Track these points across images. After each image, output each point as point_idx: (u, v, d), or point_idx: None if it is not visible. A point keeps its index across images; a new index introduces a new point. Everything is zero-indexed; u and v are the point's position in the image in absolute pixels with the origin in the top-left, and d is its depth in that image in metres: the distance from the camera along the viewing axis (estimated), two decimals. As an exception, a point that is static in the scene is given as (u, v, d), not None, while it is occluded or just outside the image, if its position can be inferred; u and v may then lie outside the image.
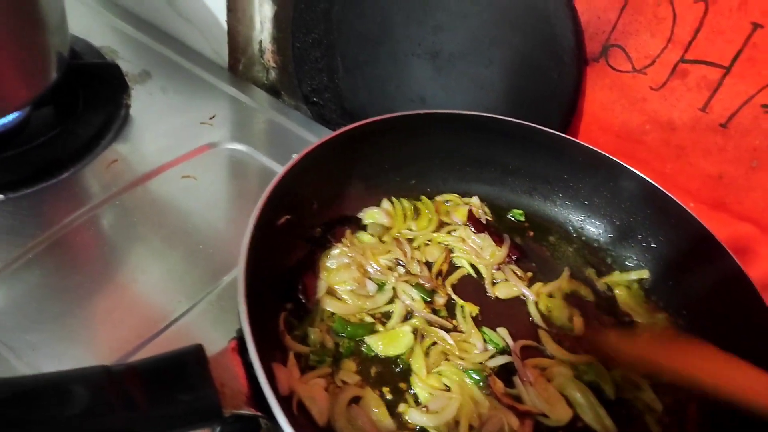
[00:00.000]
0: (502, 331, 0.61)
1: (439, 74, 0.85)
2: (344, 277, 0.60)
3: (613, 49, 0.76)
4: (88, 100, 0.80)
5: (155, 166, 0.77)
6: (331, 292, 0.60)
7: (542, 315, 0.64)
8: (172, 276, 0.66)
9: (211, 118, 0.86)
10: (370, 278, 0.62)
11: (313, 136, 0.89)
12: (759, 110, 0.68)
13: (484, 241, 0.68)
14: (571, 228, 0.75)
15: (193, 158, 0.80)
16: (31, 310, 0.61)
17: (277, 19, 0.94)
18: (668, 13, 0.70)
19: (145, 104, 0.85)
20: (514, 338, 0.60)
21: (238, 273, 0.46)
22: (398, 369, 0.55)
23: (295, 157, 0.60)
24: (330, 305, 0.58)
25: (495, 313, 0.63)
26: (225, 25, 0.91)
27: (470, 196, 0.75)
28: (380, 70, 0.89)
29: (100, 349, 0.58)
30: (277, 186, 0.55)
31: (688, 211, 0.66)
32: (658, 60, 0.73)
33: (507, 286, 0.66)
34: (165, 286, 0.65)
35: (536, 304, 0.64)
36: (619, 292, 0.68)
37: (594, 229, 0.74)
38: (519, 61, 0.80)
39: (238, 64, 0.98)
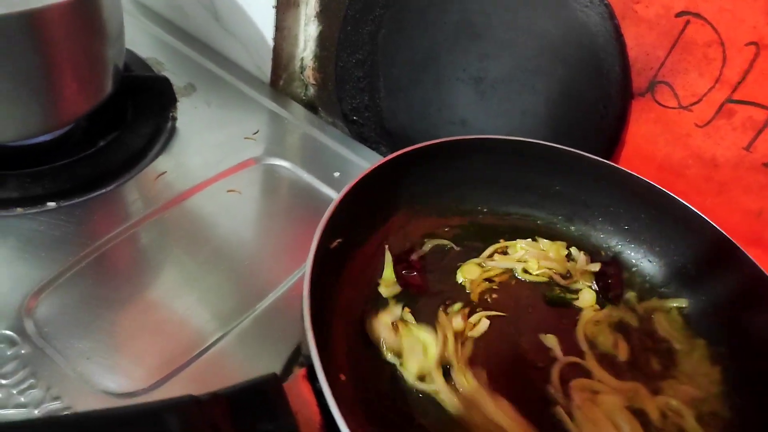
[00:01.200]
0: (552, 339, 0.62)
1: (481, 99, 0.87)
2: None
3: (660, 85, 0.77)
4: (136, 113, 0.81)
5: (200, 180, 0.78)
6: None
7: (587, 340, 0.64)
8: (213, 295, 0.67)
9: (254, 133, 0.87)
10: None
11: (352, 154, 0.90)
12: (804, 152, 0.69)
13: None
14: (610, 253, 0.75)
15: (237, 173, 0.81)
16: (83, 319, 0.61)
17: (321, 38, 0.96)
18: (718, 54, 0.71)
19: (191, 117, 0.87)
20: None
21: (303, 299, 0.47)
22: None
23: (352, 182, 0.60)
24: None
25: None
26: (271, 43, 0.92)
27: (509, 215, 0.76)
28: (422, 92, 0.90)
29: (149, 363, 0.59)
30: (335, 210, 0.56)
31: (729, 237, 0.67)
32: (704, 98, 0.74)
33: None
34: (208, 303, 0.66)
35: (584, 330, 0.65)
36: (657, 318, 0.69)
37: (633, 254, 0.75)
38: (563, 92, 0.81)
39: (280, 80, 0.99)
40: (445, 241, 0.71)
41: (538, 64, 0.81)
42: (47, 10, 0.59)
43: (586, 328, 0.65)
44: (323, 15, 0.94)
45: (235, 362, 0.62)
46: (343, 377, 0.54)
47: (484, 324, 0.63)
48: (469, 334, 0.62)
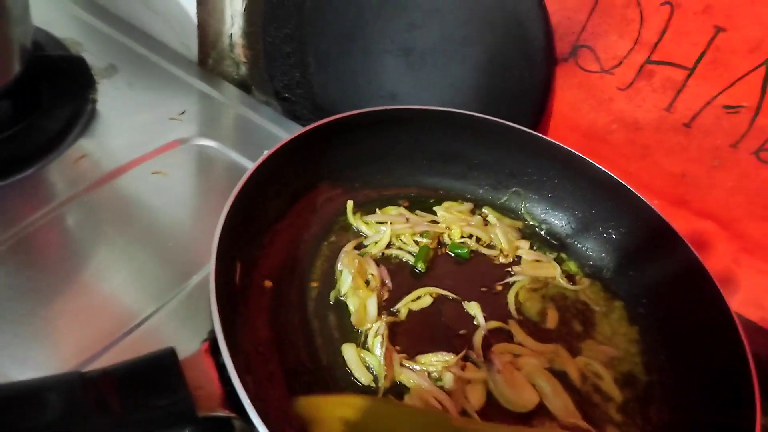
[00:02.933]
0: (475, 306, 0.63)
1: (411, 71, 0.86)
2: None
3: (582, 49, 0.77)
4: (52, 95, 0.78)
5: (123, 162, 0.76)
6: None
7: (516, 306, 0.65)
8: (141, 275, 0.65)
9: (180, 114, 0.85)
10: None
11: (284, 132, 0.88)
12: (721, 111, 0.70)
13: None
14: (535, 222, 0.76)
15: (162, 154, 0.79)
16: (-5, 311, 0.59)
17: (248, 13, 0.93)
18: (636, 15, 0.72)
19: (112, 99, 0.83)
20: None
21: (209, 272, 0.45)
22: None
23: (266, 153, 0.59)
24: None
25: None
26: (195, 19, 0.89)
27: (435, 190, 0.76)
28: (352, 66, 0.89)
29: (66, 351, 0.57)
30: (246, 183, 0.55)
31: (647, 202, 0.68)
32: (625, 61, 0.74)
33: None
34: (133, 286, 0.64)
35: (516, 294, 0.65)
36: (579, 283, 0.70)
37: (557, 221, 0.76)
38: (490, 60, 0.81)
39: (208, 59, 0.97)
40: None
41: (465, 33, 0.81)
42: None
43: (519, 291, 0.66)
44: (248, -11, 0.91)
45: (159, 343, 0.60)
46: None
47: (427, 301, 0.63)
48: (411, 307, 0.62)
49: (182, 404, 0.36)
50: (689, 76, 0.71)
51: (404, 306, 0.62)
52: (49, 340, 0.58)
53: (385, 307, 0.61)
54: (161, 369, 0.37)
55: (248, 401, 0.38)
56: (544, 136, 0.74)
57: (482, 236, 0.70)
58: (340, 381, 0.54)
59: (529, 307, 0.65)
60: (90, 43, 0.90)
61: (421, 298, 0.63)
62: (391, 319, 0.60)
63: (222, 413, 0.38)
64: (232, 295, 0.52)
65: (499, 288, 0.66)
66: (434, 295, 0.63)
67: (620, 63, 0.75)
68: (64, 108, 0.77)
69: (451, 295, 0.64)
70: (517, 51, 0.79)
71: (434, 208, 0.73)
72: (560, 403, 0.56)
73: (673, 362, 0.61)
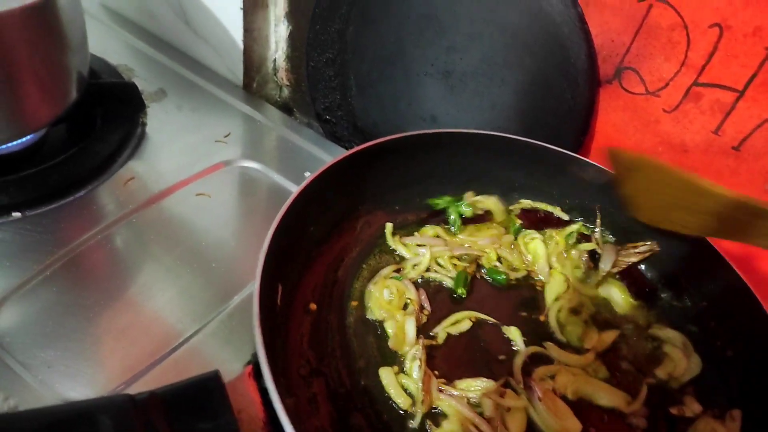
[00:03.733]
0: (514, 331, 0.62)
1: (450, 93, 0.86)
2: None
3: (626, 71, 0.76)
4: (105, 119, 0.81)
5: (170, 184, 0.78)
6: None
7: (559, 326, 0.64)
8: (185, 295, 0.67)
9: (225, 137, 0.87)
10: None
11: (325, 154, 0.90)
12: (772, 134, 0.68)
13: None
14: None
15: (208, 176, 0.81)
16: (46, 327, 0.61)
17: (292, 39, 0.95)
18: (682, 38, 0.70)
19: (161, 122, 0.86)
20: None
21: (253, 295, 0.46)
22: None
23: (309, 176, 0.60)
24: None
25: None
26: (241, 45, 0.92)
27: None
28: (393, 88, 0.90)
29: (112, 368, 0.59)
30: (291, 206, 0.56)
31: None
32: (671, 83, 0.73)
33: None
34: (177, 305, 0.66)
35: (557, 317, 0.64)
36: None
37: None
38: (531, 82, 0.81)
39: (252, 83, 0.99)
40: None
41: (505, 56, 0.81)
42: (2, 16, 0.59)
43: (558, 316, 0.65)
44: (292, 15, 0.93)
45: (201, 362, 0.61)
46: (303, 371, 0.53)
47: (466, 325, 0.63)
48: (450, 331, 0.62)
49: (227, 428, 0.37)
50: (739, 98, 0.69)
51: (443, 330, 0.61)
52: (97, 356, 0.60)
53: (424, 330, 0.61)
54: (207, 392, 0.38)
55: (290, 426, 0.38)
56: (585, 158, 0.73)
57: (515, 261, 0.69)
58: (378, 403, 0.54)
59: (570, 332, 0.64)
60: (141, 69, 0.93)
61: (460, 322, 0.63)
62: (428, 342, 0.59)
63: (264, 437, 0.39)
64: (273, 317, 0.53)
65: (542, 318, 0.65)
66: (473, 319, 0.63)
67: (666, 85, 0.73)
68: (115, 132, 0.81)
69: (491, 320, 0.63)
70: (558, 73, 0.78)
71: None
72: (615, 396, 0.56)
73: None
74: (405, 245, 0.69)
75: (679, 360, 0.63)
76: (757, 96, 0.67)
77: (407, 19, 0.85)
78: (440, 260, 0.68)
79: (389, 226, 0.70)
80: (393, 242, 0.69)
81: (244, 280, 0.69)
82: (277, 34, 0.96)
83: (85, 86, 0.76)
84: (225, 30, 0.92)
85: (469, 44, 0.83)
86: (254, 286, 0.48)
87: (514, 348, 0.61)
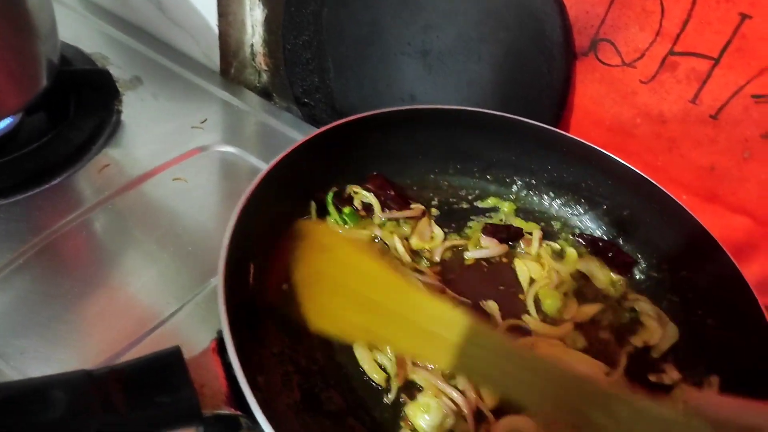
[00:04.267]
0: (492, 305, 0.62)
1: (429, 72, 0.85)
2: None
3: (602, 43, 0.75)
4: (79, 107, 0.80)
5: (146, 170, 0.78)
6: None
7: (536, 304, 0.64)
8: (162, 278, 0.66)
9: (202, 122, 0.86)
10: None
11: (303, 137, 0.89)
12: (749, 101, 0.68)
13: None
14: (556, 219, 0.75)
15: (184, 161, 0.80)
16: (20, 315, 0.61)
17: (268, 23, 0.94)
18: (656, 6, 0.70)
19: (137, 110, 0.86)
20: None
21: (218, 274, 0.46)
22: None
23: (282, 153, 0.60)
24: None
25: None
26: (216, 30, 0.91)
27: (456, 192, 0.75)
28: (370, 69, 0.89)
29: (87, 352, 0.58)
30: (260, 184, 0.55)
31: (672, 196, 0.66)
32: (647, 53, 0.72)
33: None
34: (154, 289, 0.65)
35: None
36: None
37: (578, 219, 0.74)
38: (508, 57, 0.80)
39: (230, 68, 0.98)
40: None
41: (480, 31, 0.80)
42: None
43: (539, 291, 0.65)
44: (267, -2, 0.93)
45: (178, 342, 0.61)
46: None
47: None
48: None
49: (186, 402, 0.37)
50: (714, 66, 0.68)
51: None
52: (72, 341, 0.60)
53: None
54: (167, 367, 0.37)
55: (252, 397, 0.38)
56: (563, 132, 0.72)
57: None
58: (353, 379, 0.54)
59: (550, 305, 0.63)
60: (116, 57, 0.92)
61: None
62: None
63: (227, 411, 0.39)
64: (245, 295, 0.53)
65: (522, 297, 0.65)
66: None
67: (642, 55, 0.73)
68: (90, 119, 0.80)
69: (466, 300, 0.62)
70: (533, 47, 0.78)
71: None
72: (593, 366, 0.56)
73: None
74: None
75: (655, 329, 0.63)
76: (733, 63, 0.67)
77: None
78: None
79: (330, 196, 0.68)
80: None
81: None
82: (253, 17, 0.95)
83: (56, 73, 0.75)
84: (200, 15, 0.91)
85: (444, 22, 0.82)
86: (219, 270, 0.47)
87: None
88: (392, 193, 0.69)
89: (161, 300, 0.64)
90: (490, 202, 0.75)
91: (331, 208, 0.66)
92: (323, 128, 0.63)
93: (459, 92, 0.84)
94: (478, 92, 0.83)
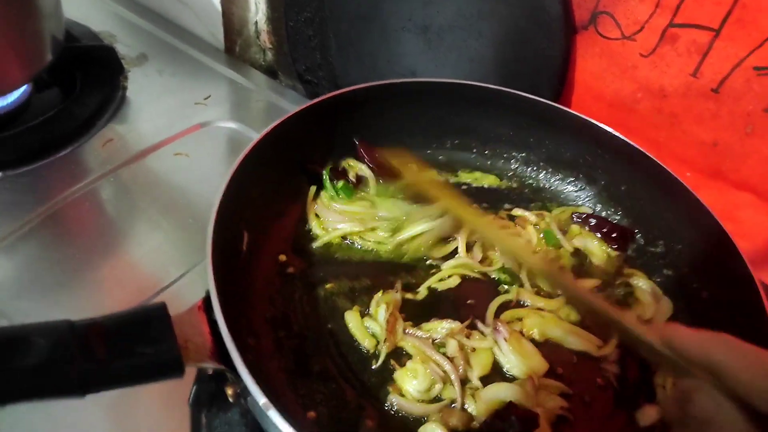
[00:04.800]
0: None
1: (429, 48, 0.85)
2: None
3: (601, 16, 0.74)
4: (85, 83, 0.82)
5: (149, 144, 0.79)
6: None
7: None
8: (163, 248, 0.68)
9: (205, 99, 0.87)
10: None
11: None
12: (751, 73, 0.67)
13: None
14: (555, 196, 0.74)
15: (186, 136, 0.82)
16: (26, 279, 0.63)
17: (272, 0, 0.95)
18: (656, -23, 0.69)
19: (142, 86, 0.87)
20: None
21: (207, 233, 0.47)
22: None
23: (277, 121, 0.60)
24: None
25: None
26: (219, 8, 0.92)
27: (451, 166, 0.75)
28: (371, 46, 0.89)
29: (90, 314, 0.60)
30: (252, 150, 0.56)
31: (670, 171, 0.65)
32: (647, 25, 0.71)
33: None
34: (155, 258, 0.67)
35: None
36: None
37: (576, 194, 0.74)
38: (508, 33, 0.79)
39: (235, 46, 0.99)
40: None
41: (480, 7, 0.80)
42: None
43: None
44: (270, -25, 0.93)
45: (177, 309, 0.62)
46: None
47: (455, 281, 0.62)
48: (435, 286, 0.62)
49: (168, 354, 0.38)
50: (715, 37, 0.67)
51: (424, 288, 0.61)
52: (75, 305, 0.62)
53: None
54: (150, 321, 0.39)
55: (234, 349, 0.39)
56: (561, 106, 0.72)
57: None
58: (343, 345, 0.55)
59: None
60: (123, 35, 0.94)
61: (450, 278, 0.62)
62: (410, 296, 0.60)
63: (210, 365, 0.40)
64: (236, 260, 0.54)
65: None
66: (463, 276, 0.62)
67: (642, 28, 0.72)
68: (96, 95, 0.81)
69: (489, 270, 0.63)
70: (533, 21, 0.77)
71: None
72: (585, 340, 0.57)
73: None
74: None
75: (648, 304, 0.63)
76: (733, 34, 0.66)
77: (383, -26, 0.84)
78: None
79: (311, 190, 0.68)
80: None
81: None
82: (257, -4, 0.95)
83: (61, 50, 0.77)
84: (204, -8, 0.92)
85: (444, -3, 0.82)
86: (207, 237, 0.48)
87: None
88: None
89: (162, 269, 0.66)
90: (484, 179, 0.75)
91: (327, 184, 0.67)
92: (318, 99, 0.63)
93: (460, 68, 0.84)
94: (479, 68, 0.83)
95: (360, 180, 0.69)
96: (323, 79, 0.95)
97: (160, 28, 0.97)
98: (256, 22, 0.99)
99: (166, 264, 0.67)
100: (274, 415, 0.37)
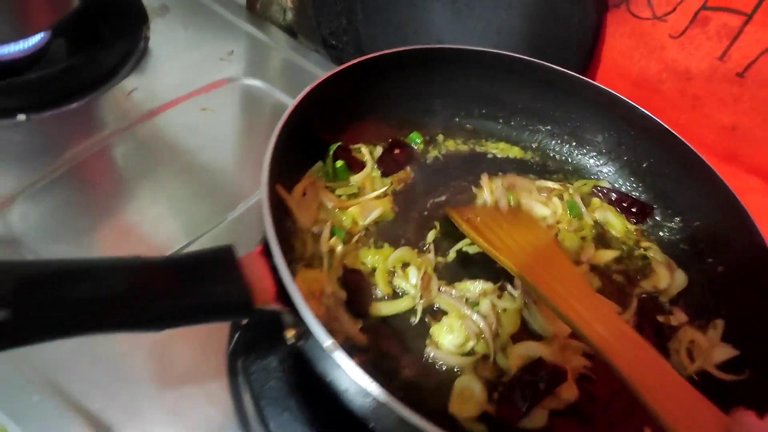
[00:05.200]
0: None
1: (457, 18, 0.85)
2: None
3: (634, -6, 0.75)
4: (109, 31, 0.80)
5: (173, 98, 0.78)
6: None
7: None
8: (190, 202, 0.68)
9: (229, 54, 0.87)
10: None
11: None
12: (778, 59, 0.69)
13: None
14: (577, 169, 0.76)
15: (211, 92, 0.81)
16: (56, 223, 0.63)
17: (297, -41, 0.94)
18: (693, -41, 0.70)
19: (165, 38, 0.86)
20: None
21: (261, 185, 0.47)
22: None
23: (314, 83, 0.60)
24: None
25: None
26: (245, -38, 0.91)
27: (475, 132, 0.76)
28: (398, 14, 0.89)
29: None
30: (296, 108, 0.56)
31: (695, 151, 0.67)
32: (679, 7, 0.73)
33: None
34: (183, 211, 0.67)
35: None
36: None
37: (599, 167, 0.76)
38: (538, 5, 0.80)
39: (256, 3, 0.98)
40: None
41: (513, -23, 0.80)
42: None
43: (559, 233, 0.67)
44: (298, -67, 0.91)
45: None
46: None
47: None
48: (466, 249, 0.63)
49: (240, 294, 0.38)
50: (746, 22, 0.69)
51: (453, 250, 0.62)
52: (104, 251, 0.62)
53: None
54: (221, 261, 0.39)
55: (298, 294, 0.40)
56: (590, 80, 0.73)
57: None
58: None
59: (568, 247, 0.65)
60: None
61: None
62: (440, 258, 0.61)
63: (276, 307, 0.40)
64: (283, 209, 0.54)
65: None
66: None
67: (674, 9, 0.73)
68: (119, 43, 0.80)
69: None
70: (567, -3, 0.78)
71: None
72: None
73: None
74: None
75: (664, 275, 0.65)
76: (765, 19, 0.67)
77: (416, -62, 0.83)
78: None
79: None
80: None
81: (250, 190, 0.70)
82: (282, -47, 0.94)
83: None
84: (228, -54, 0.91)
85: (477, -34, 0.82)
86: (261, 185, 0.48)
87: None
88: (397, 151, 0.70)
89: (190, 222, 0.66)
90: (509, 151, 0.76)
91: (328, 160, 0.65)
92: (353, 62, 0.63)
93: (487, 39, 0.84)
94: (507, 40, 0.83)
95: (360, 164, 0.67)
96: (347, 45, 0.94)
97: (180, -20, 0.95)
98: (279, -20, 0.98)
99: (196, 217, 0.67)
100: (340, 356, 0.39)
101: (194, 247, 0.64)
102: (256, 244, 0.44)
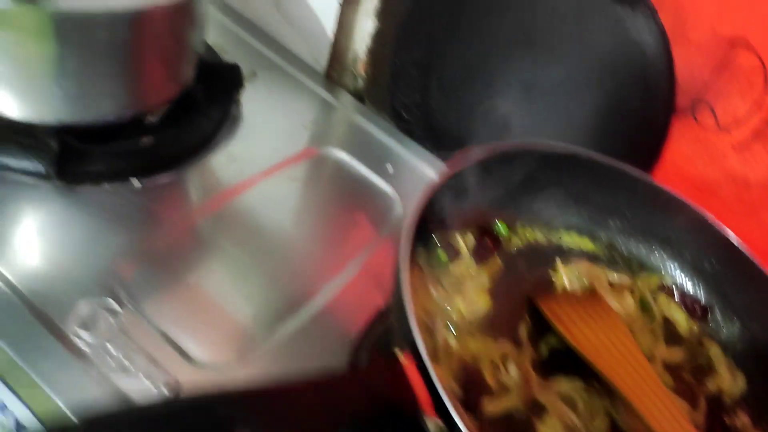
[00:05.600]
0: None
1: (528, 104, 0.91)
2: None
3: (701, 104, 0.82)
4: (208, 96, 0.84)
5: (267, 167, 0.82)
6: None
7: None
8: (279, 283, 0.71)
9: (311, 121, 0.91)
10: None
11: (400, 147, 0.96)
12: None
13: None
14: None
15: (300, 162, 0.85)
16: (161, 292, 0.65)
17: (378, 35, 0.99)
18: (760, 80, 0.77)
19: (255, 104, 0.90)
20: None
21: (401, 284, 0.51)
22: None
23: (437, 177, 0.64)
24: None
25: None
26: (331, 36, 0.96)
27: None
28: (473, 95, 0.95)
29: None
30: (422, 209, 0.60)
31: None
32: (742, 122, 0.79)
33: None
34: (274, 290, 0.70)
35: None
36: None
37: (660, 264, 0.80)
38: (609, 104, 0.86)
39: (333, 72, 1.03)
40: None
41: (588, 76, 0.86)
42: (155, 10, 0.62)
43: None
44: (382, 13, 0.97)
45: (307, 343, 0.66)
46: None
47: None
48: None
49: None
50: (805, 142, 0.76)
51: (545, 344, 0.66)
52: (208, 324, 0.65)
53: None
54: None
55: (451, 405, 0.44)
56: (666, 188, 0.77)
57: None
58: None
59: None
60: (233, 50, 0.96)
61: None
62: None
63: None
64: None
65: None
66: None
67: (737, 123, 0.80)
68: (216, 109, 0.84)
69: None
70: (637, 99, 0.84)
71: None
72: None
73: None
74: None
75: (725, 376, 0.71)
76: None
77: (497, 32, 0.90)
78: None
79: None
80: None
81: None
82: (363, 29, 1.00)
83: (197, 65, 0.79)
84: (317, 20, 0.96)
85: (554, 61, 0.88)
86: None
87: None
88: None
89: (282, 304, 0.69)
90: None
91: (435, 249, 0.68)
92: (490, 153, 0.69)
93: (553, 127, 0.90)
94: (575, 132, 0.89)
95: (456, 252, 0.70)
96: (417, 118, 1.00)
97: (266, 47, 1.00)
98: (356, 52, 1.04)
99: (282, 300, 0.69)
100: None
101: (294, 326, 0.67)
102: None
